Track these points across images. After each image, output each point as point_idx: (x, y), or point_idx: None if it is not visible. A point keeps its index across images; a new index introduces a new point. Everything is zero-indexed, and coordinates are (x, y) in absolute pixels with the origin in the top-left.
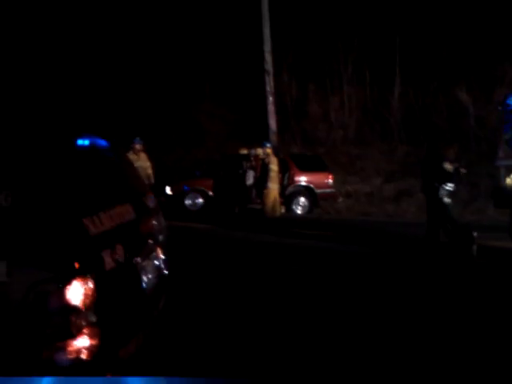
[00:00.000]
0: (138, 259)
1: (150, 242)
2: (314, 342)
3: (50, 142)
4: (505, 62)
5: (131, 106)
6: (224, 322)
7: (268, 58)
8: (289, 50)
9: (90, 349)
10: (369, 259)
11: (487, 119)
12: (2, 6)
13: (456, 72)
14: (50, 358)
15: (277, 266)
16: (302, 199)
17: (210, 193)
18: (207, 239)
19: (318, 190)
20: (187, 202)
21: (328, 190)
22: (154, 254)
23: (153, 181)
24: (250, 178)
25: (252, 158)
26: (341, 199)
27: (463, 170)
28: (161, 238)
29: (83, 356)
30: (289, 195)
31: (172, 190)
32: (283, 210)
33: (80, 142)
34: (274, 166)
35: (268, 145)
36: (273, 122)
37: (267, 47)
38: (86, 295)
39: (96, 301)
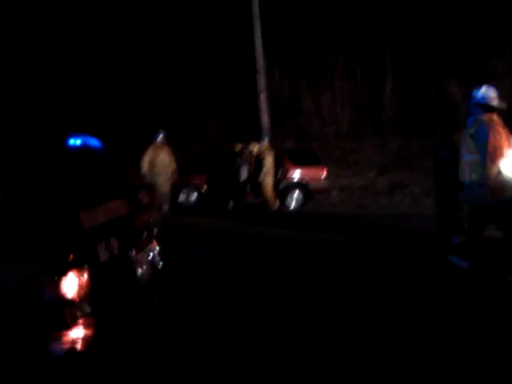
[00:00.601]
0: (133, 252)
1: (145, 235)
2: (313, 339)
3: (44, 141)
4: (494, 56)
5: (126, 103)
6: (223, 320)
7: (259, 55)
8: (280, 47)
9: (84, 339)
10: (371, 250)
11: None
12: (2, 6)
13: (447, 67)
14: (45, 348)
15: (279, 259)
16: (296, 193)
17: (205, 187)
18: (214, 234)
19: (312, 184)
20: (181, 197)
21: (322, 184)
22: (149, 247)
23: (175, 178)
24: (244, 173)
25: (246, 154)
26: (335, 193)
27: None
28: (155, 231)
29: (78, 346)
30: (283, 189)
31: None
32: (278, 204)
33: (72, 140)
34: (269, 160)
35: (266, 138)
36: (265, 119)
37: (258, 45)
38: (80, 286)
39: (91, 292)
